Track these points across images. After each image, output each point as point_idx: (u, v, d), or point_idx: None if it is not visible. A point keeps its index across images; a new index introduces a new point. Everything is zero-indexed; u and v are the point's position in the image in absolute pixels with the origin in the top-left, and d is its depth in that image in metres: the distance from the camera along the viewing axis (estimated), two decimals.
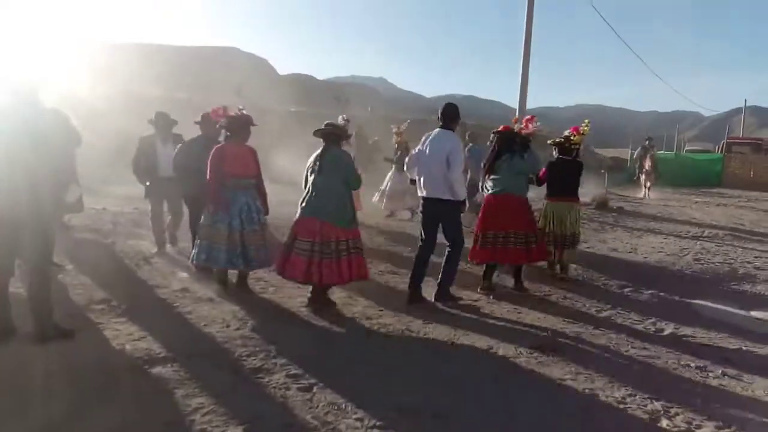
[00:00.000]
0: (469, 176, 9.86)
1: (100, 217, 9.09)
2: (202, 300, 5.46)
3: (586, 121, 7.42)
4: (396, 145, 11.24)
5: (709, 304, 6.24)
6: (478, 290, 6.26)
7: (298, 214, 5.45)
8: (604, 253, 8.81)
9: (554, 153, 7.27)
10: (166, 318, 4.98)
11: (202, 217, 5.74)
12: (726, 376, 4.28)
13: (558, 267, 7.14)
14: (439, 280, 5.83)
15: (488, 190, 6.39)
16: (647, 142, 18.91)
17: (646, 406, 3.72)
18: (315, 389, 3.73)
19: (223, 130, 5.86)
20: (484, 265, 6.42)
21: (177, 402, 3.47)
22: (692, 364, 4.47)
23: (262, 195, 5.88)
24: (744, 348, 4.92)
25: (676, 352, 4.73)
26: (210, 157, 5.60)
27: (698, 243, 9.85)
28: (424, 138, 5.91)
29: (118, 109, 17.45)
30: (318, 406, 3.52)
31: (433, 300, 5.77)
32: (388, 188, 10.90)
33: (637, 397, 3.84)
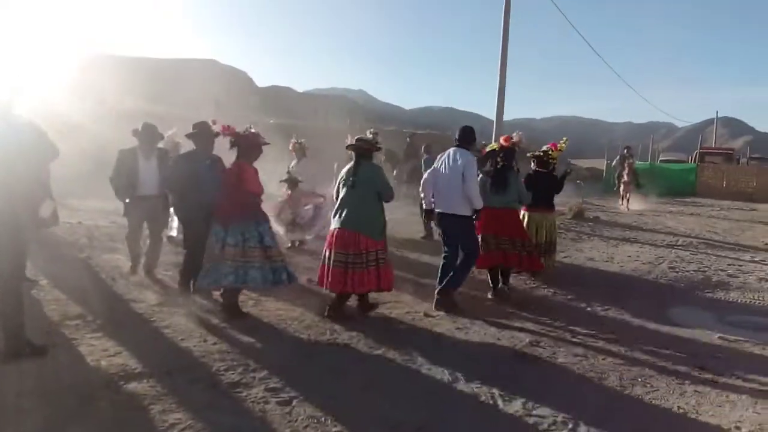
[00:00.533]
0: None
1: (75, 230, 8.95)
2: (178, 314, 5.39)
3: (564, 138, 7.94)
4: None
5: (684, 313, 6.33)
6: (489, 295, 6.50)
7: (332, 226, 5.57)
8: (581, 262, 8.91)
9: (532, 165, 7.64)
10: (142, 333, 4.91)
11: (216, 237, 5.40)
12: (701, 384, 4.34)
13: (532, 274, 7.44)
14: (443, 285, 5.99)
15: (490, 204, 6.41)
16: (626, 151, 18.70)
17: (623, 411, 3.76)
18: (294, 402, 3.71)
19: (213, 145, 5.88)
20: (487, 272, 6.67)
21: (153, 418, 3.43)
22: (668, 370, 4.53)
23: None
24: (719, 355, 4.99)
25: (653, 361, 4.79)
26: (242, 171, 5.44)
27: (673, 251, 10.02)
28: (438, 157, 6.26)
29: (94, 122, 17.27)
30: (297, 419, 3.50)
31: (433, 307, 5.90)
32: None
33: (614, 405, 3.87)
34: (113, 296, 5.95)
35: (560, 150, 7.69)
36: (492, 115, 16.22)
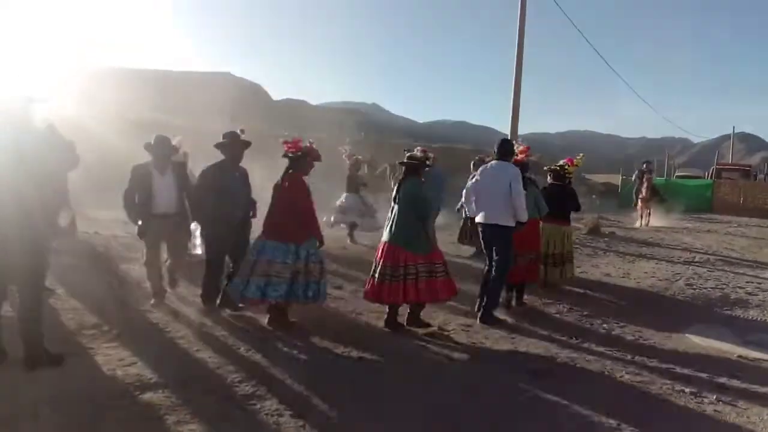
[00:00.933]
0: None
1: (92, 241, 9.04)
2: (194, 325, 5.41)
3: (581, 154, 8.23)
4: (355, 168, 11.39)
5: (702, 329, 6.24)
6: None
7: (382, 239, 5.75)
8: (597, 278, 8.83)
9: (548, 178, 7.83)
10: (157, 343, 4.93)
11: (260, 251, 5.42)
12: (720, 402, 4.27)
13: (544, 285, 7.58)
14: (483, 303, 6.12)
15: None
16: (644, 166, 17.83)
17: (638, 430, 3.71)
18: (308, 416, 3.69)
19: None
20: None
21: (168, 429, 3.43)
22: (686, 390, 4.46)
23: None
24: (738, 374, 4.91)
25: (670, 377, 4.72)
26: (299, 189, 5.47)
27: (690, 268, 9.90)
28: (480, 169, 6.43)
29: (111, 134, 17.48)
30: None
31: (478, 322, 5.99)
32: (337, 206, 11.09)
33: (632, 422, 3.82)
34: (129, 306, 5.98)
35: (576, 165, 7.94)
36: (506, 129, 16.22)
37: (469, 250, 9.96)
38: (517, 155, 6.84)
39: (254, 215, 6.16)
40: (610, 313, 6.73)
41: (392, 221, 5.66)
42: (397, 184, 5.79)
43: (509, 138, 6.56)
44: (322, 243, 5.62)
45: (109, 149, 12.01)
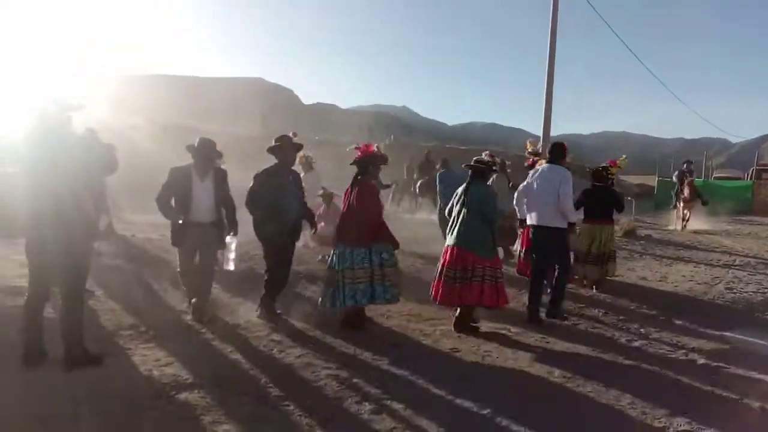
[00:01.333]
0: (441, 201, 10.03)
1: (128, 243, 9.23)
2: (228, 326, 5.48)
3: (624, 156, 8.60)
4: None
5: (743, 334, 6.06)
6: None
7: (446, 243, 5.81)
8: (633, 281, 8.66)
9: (590, 180, 8.05)
10: (193, 344, 5.01)
11: (339, 258, 5.48)
12: (764, 409, 4.13)
13: (592, 285, 7.86)
14: (549, 299, 6.29)
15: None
16: (685, 166, 16.77)
17: None
18: (340, 418, 3.70)
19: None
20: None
21: (203, 429, 3.48)
22: (727, 396, 4.33)
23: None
24: None
25: (711, 383, 4.59)
26: (371, 196, 5.57)
27: (730, 272, 9.63)
28: (532, 173, 6.49)
29: (145, 138, 17.87)
30: None
31: (545, 317, 6.19)
32: None
33: (671, 428, 3.73)
34: (165, 308, 6.09)
35: (619, 167, 8.24)
36: (538, 130, 16.05)
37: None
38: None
39: (314, 227, 6.25)
40: (647, 317, 6.59)
41: (458, 225, 5.71)
42: (464, 188, 5.85)
43: (558, 142, 6.59)
44: (397, 246, 5.70)
45: (141, 154, 12.27)
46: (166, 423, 3.52)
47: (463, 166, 6.07)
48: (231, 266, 5.99)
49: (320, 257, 8.78)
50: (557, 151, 6.43)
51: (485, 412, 3.89)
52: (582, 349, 5.35)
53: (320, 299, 5.70)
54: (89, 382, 3.99)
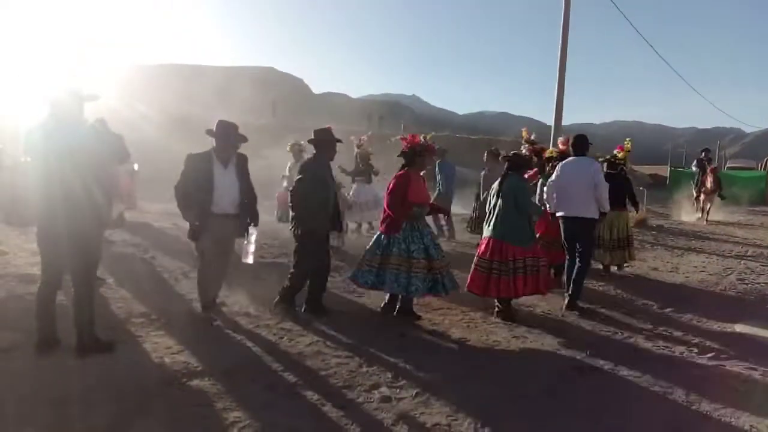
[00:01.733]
0: (442, 190, 10.27)
1: (140, 232, 9.29)
2: (238, 314, 5.51)
3: (628, 139, 8.58)
4: (357, 158, 10.69)
5: (755, 325, 6.02)
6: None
7: (483, 234, 5.96)
8: (644, 272, 8.62)
9: (603, 168, 7.85)
10: (204, 332, 5.04)
11: (377, 244, 5.54)
12: None
13: (614, 268, 8.29)
14: (569, 292, 6.33)
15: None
16: (703, 155, 16.24)
17: (689, 429, 3.60)
18: (350, 406, 3.72)
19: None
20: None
21: (214, 415, 3.51)
22: (739, 389, 4.31)
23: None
24: None
25: (721, 375, 4.57)
26: (396, 186, 5.53)
27: (742, 262, 9.55)
28: (559, 166, 6.62)
29: (157, 128, 17.94)
30: (353, 423, 3.51)
31: (564, 309, 6.24)
32: (351, 201, 10.34)
33: (680, 421, 3.72)
34: (176, 296, 6.13)
35: (627, 150, 8.38)
36: (549, 120, 15.93)
37: (477, 239, 10.01)
38: (561, 147, 7.00)
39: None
40: (658, 308, 6.56)
41: (495, 217, 5.84)
42: (500, 181, 5.95)
43: (581, 134, 6.86)
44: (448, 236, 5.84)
45: (152, 143, 12.32)
46: (177, 410, 3.55)
47: (500, 158, 6.38)
48: (250, 259, 5.59)
49: (355, 225, 9.06)
50: (582, 144, 6.61)
51: (494, 400, 3.91)
52: (592, 340, 5.34)
53: (358, 277, 5.63)
54: (101, 369, 4.03)
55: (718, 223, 15.18)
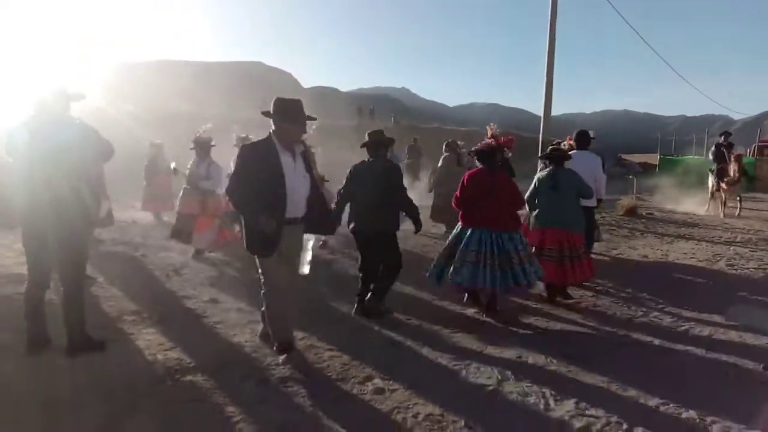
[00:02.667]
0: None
1: (129, 230, 9.26)
2: (230, 310, 5.51)
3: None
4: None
5: (744, 311, 6.08)
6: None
7: (537, 226, 6.25)
8: (634, 260, 8.67)
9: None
10: (196, 328, 5.04)
11: (458, 239, 5.55)
12: (765, 384, 4.15)
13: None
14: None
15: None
16: (722, 138, 14.36)
17: (680, 414, 3.64)
18: (343, 400, 3.73)
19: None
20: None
21: (208, 411, 3.51)
22: (728, 372, 4.36)
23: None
24: None
25: (711, 360, 4.62)
26: (470, 183, 5.57)
27: (731, 248, 9.63)
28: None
29: (145, 125, 17.83)
30: (347, 415, 3.51)
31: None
32: None
33: (671, 405, 3.75)
34: (168, 293, 6.12)
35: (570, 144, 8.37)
36: (539, 110, 15.94)
37: (440, 227, 10.41)
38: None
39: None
40: (648, 295, 6.60)
41: (550, 208, 6.14)
42: (551, 175, 6.21)
43: (582, 130, 7.70)
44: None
45: (142, 140, 12.23)
46: (170, 406, 3.55)
47: (539, 157, 7.22)
48: (306, 269, 4.68)
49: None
50: (584, 139, 7.35)
51: (485, 392, 3.93)
52: (582, 327, 5.37)
53: (449, 275, 5.51)
54: (93, 368, 4.02)
55: (708, 209, 15.04)
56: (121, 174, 9.73)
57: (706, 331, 5.35)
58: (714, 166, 14.34)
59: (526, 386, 4.03)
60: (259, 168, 3.96)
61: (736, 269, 8.04)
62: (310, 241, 4.72)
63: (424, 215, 10.29)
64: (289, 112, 4.05)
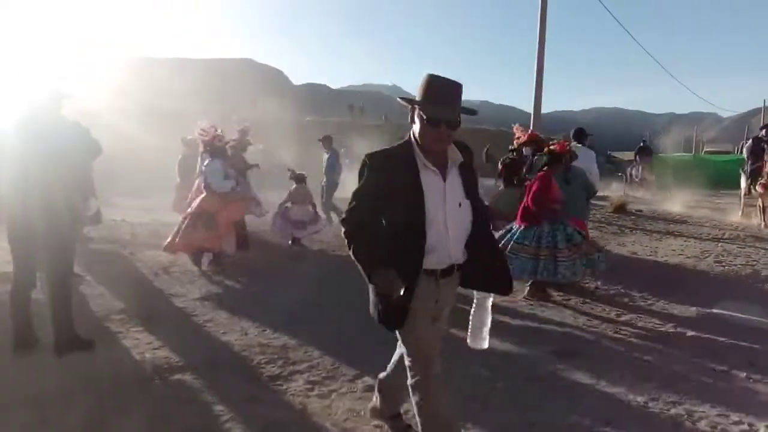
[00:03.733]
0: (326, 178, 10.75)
1: (118, 228, 9.20)
2: (220, 308, 5.49)
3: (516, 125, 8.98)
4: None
5: (732, 307, 6.13)
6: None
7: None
8: (624, 255, 8.72)
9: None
10: (185, 327, 5.01)
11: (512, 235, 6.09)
12: (751, 380, 4.19)
13: None
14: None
15: None
16: (764, 132, 12.15)
17: (669, 410, 3.66)
18: (333, 396, 3.73)
19: None
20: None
21: (197, 410, 3.49)
22: (716, 368, 4.39)
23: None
24: None
25: (699, 356, 4.65)
26: (541, 186, 5.97)
27: (719, 245, 9.70)
28: None
29: (135, 122, 17.72)
30: (337, 413, 3.51)
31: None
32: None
33: (660, 401, 3.78)
34: (156, 291, 6.08)
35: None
36: (529, 107, 16.00)
37: None
38: None
39: None
40: (637, 291, 6.64)
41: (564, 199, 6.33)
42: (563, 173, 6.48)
43: (579, 128, 8.46)
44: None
45: (129, 138, 12.16)
46: (159, 405, 3.53)
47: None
48: (485, 343, 3.25)
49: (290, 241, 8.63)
50: (581, 134, 8.21)
51: (476, 385, 3.93)
52: (571, 325, 5.39)
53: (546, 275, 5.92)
54: (81, 367, 3.99)
55: (696, 206, 15.19)
56: (115, 172, 9.68)
57: (694, 327, 5.39)
58: (747, 165, 12.10)
59: (518, 383, 4.04)
60: (389, 190, 2.59)
61: (724, 266, 8.09)
62: (488, 299, 3.06)
63: None
64: (440, 100, 2.55)
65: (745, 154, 12.49)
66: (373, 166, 2.65)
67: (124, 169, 11.54)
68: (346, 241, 2.68)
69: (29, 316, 4.29)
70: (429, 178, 2.63)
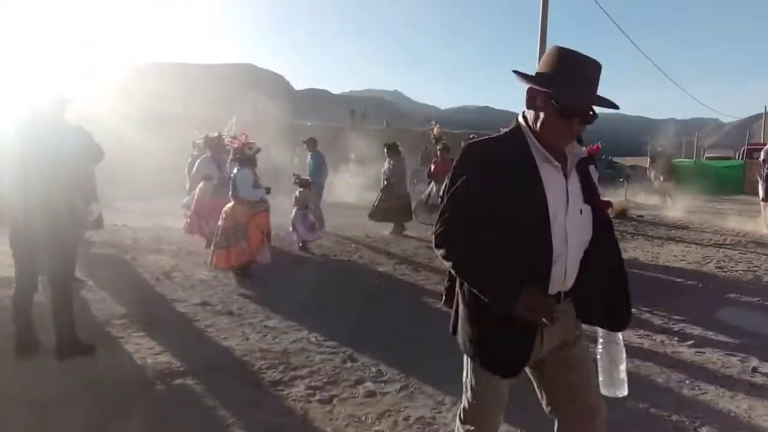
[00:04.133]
0: (312, 179, 10.48)
1: (120, 232, 9.21)
2: (221, 313, 5.49)
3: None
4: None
5: (733, 313, 6.12)
6: None
7: None
8: (625, 262, 8.69)
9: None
10: (186, 332, 5.01)
11: None
12: (753, 386, 4.18)
13: None
14: None
15: None
16: None
17: (670, 416, 3.66)
18: (335, 401, 3.72)
19: None
20: None
21: (198, 415, 3.49)
22: (717, 374, 4.38)
23: None
24: None
25: (701, 362, 4.65)
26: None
27: (721, 251, 9.70)
28: None
29: (137, 127, 17.76)
30: (338, 418, 3.51)
31: None
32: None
33: (661, 408, 3.77)
34: (157, 297, 6.08)
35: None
36: None
37: (386, 226, 10.41)
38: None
39: None
40: (638, 297, 6.61)
41: None
42: None
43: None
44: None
45: (132, 143, 12.18)
46: (160, 410, 3.53)
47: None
48: (624, 390, 2.70)
49: (300, 244, 8.68)
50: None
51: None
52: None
53: None
54: (82, 370, 3.99)
55: (698, 211, 15.24)
56: (116, 176, 9.69)
57: (695, 333, 5.38)
58: (764, 169, 11.53)
59: (517, 389, 4.03)
60: (499, 193, 1.96)
61: (725, 272, 8.09)
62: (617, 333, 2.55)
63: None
64: (579, 80, 1.98)
65: (762, 157, 11.70)
66: (475, 160, 2.04)
67: (126, 173, 11.55)
68: (451, 267, 2.07)
69: (31, 319, 4.29)
70: (551, 175, 2.02)
